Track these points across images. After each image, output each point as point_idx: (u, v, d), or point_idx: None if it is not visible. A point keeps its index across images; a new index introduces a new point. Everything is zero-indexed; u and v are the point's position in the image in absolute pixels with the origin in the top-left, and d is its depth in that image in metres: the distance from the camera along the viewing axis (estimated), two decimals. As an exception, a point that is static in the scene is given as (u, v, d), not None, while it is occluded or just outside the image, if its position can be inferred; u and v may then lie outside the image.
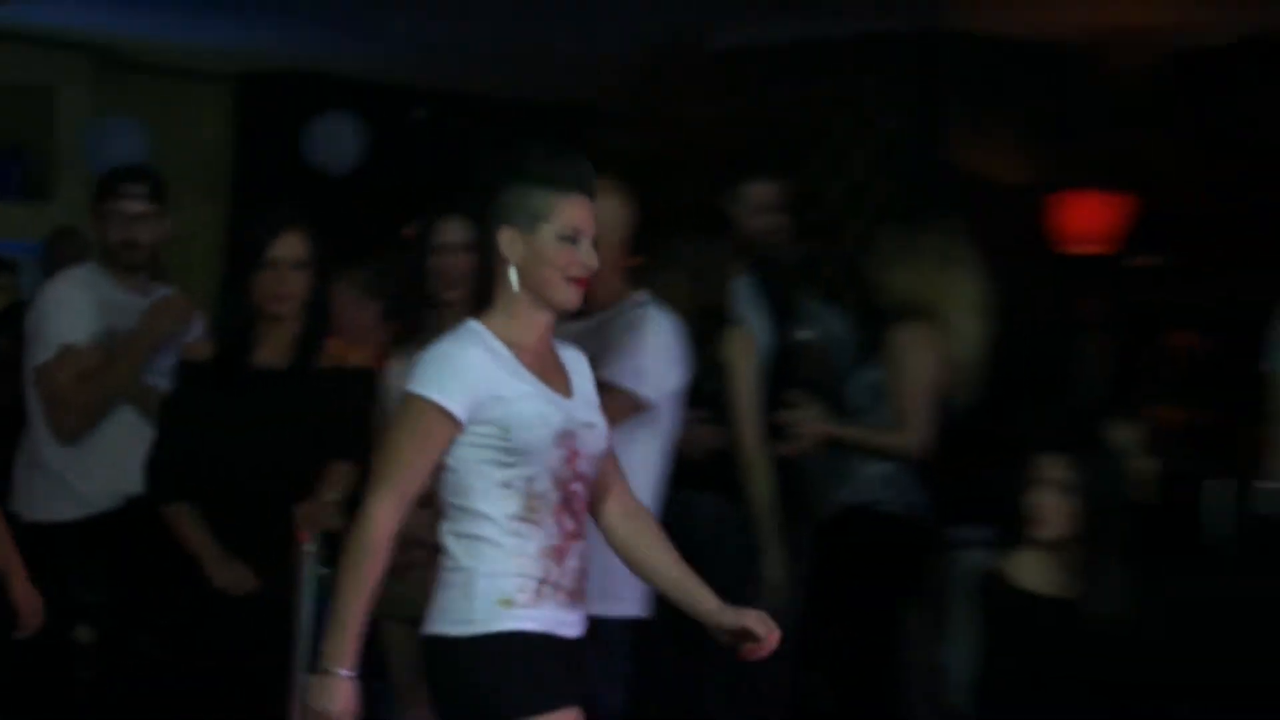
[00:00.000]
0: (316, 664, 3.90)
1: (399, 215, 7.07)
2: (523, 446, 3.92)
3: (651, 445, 5.04)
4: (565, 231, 3.92)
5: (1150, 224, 10.46)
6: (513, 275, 3.97)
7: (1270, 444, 5.80)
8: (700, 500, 5.52)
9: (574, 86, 11.56)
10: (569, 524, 4.02)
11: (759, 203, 6.36)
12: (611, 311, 5.05)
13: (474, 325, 4.00)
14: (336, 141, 10.84)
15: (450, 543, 3.97)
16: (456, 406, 3.89)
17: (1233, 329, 7.45)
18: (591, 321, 4.92)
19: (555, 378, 4.06)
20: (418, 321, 5.12)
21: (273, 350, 5.18)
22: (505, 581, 3.90)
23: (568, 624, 4.01)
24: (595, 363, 4.34)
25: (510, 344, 3.98)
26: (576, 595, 4.03)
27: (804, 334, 6.43)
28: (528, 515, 3.95)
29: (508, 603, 3.89)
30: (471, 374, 3.93)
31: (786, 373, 6.18)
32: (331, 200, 9.79)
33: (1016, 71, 9.92)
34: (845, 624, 6.44)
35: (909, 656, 6.23)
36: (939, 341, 6.00)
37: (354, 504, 4.26)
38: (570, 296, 3.97)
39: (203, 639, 5.24)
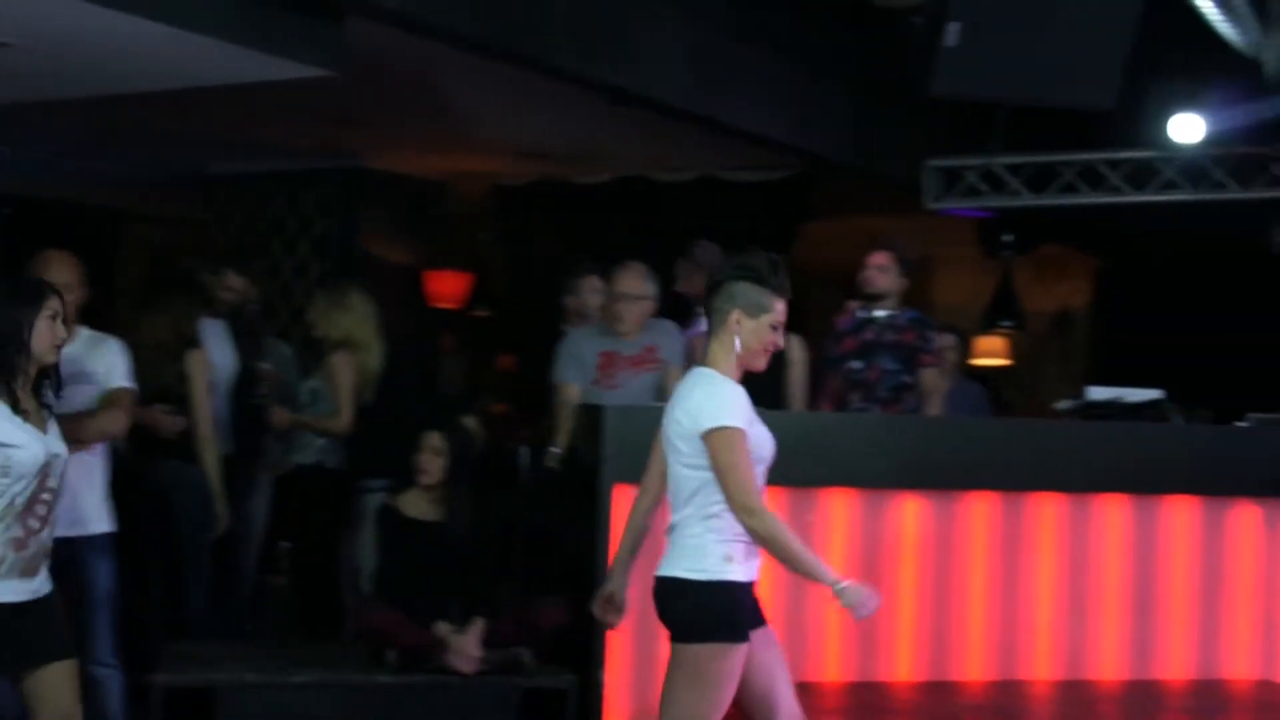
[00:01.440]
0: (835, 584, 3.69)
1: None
2: (758, 455, 3.85)
3: None
4: (775, 321, 3.90)
5: (480, 290, 11.40)
6: (737, 343, 3.89)
7: (555, 426, 5.96)
8: (174, 465, 5.53)
9: (113, 196, 11.52)
10: None
11: (229, 282, 6.46)
12: None
13: (716, 374, 3.88)
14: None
15: (695, 519, 3.81)
16: (748, 429, 3.82)
17: (533, 353, 7.46)
18: None
19: None
20: None
21: None
22: (728, 546, 3.79)
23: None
24: None
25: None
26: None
27: (263, 364, 6.50)
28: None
29: (730, 559, 3.80)
30: (746, 405, 3.86)
31: (250, 386, 6.31)
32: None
33: (406, 194, 10.45)
34: (300, 542, 6.66)
35: (341, 562, 6.33)
36: (357, 362, 6.25)
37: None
38: (764, 364, 3.93)
39: None
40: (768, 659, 3.87)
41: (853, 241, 7.51)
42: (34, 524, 3.87)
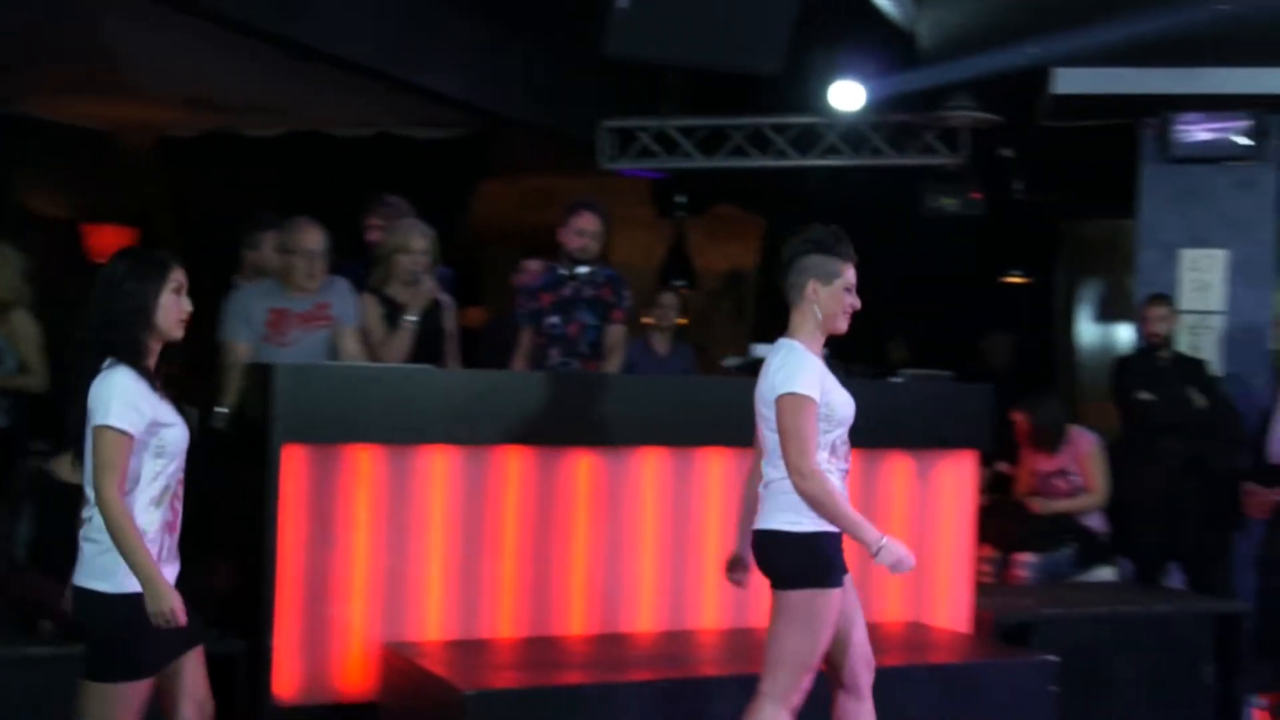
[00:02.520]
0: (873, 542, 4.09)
1: None
2: (839, 417, 4.23)
3: None
4: (847, 285, 4.24)
5: (145, 245, 10.90)
6: (817, 311, 4.22)
7: (223, 386, 5.77)
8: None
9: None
10: (848, 464, 4.31)
11: None
12: None
13: (796, 343, 4.24)
14: None
15: (778, 474, 4.16)
16: (818, 397, 4.13)
17: (201, 310, 7.48)
18: None
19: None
20: None
21: None
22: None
23: None
24: None
25: (814, 355, 4.23)
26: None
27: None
28: (830, 461, 4.22)
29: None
30: (820, 373, 4.18)
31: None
32: None
33: (66, 144, 9.89)
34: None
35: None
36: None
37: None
38: (845, 326, 4.27)
39: None
40: (847, 604, 4.28)
41: (529, 200, 7.52)
42: (178, 505, 3.88)
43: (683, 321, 12.13)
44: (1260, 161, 8.24)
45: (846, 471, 4.36)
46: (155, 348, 3.87)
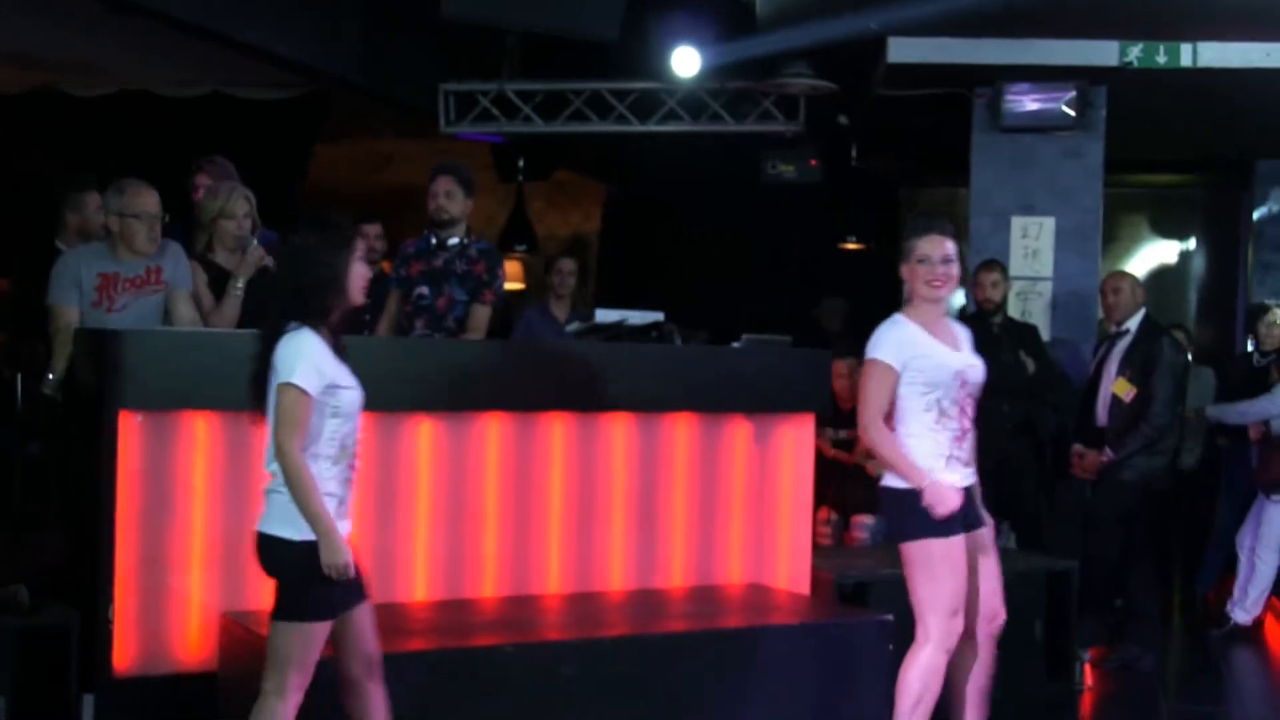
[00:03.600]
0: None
1: None
2: (932, 380, 4.81)
3: None
4: (920, 256, 4.89)
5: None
6: (907, 288, 4.93)
7: (51, 352, 5.62)
8: None
9: None
10: (965, 422, 4.86)
11: None
12: None
13: (898, 315, 4.92)
14: None
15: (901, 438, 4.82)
16: (896, 363, 4.78)
17: (26, 274, 6.98)
18: None
19: (948, 340, 4.88)
20: None
21: None
22: (931, 460, 4.80)
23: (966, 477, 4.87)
24: None
25: (921, 324, 4.85)
26: (969, 463, 4.88)
27: None
28: (939, 421, 4.81)
29: (932, 470, 4.78)
30: (909, 341, 4.82)
31: None
32: None
33: None
34: None
35: None
36: None
37: None
38: (940, 294, 4.90)
39: None
40: (978, 559, 4.88)
41: (369, 164, 7.47)
42: (354, 465, 4.09)
43: (521, 287, 12.15)
44: (1086, 131, 8.52)
45: (961, 431, 4.89)
46: (340, 312, 4.09)
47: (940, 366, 4.82)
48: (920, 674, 4.88)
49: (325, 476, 4.02)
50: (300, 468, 3.96)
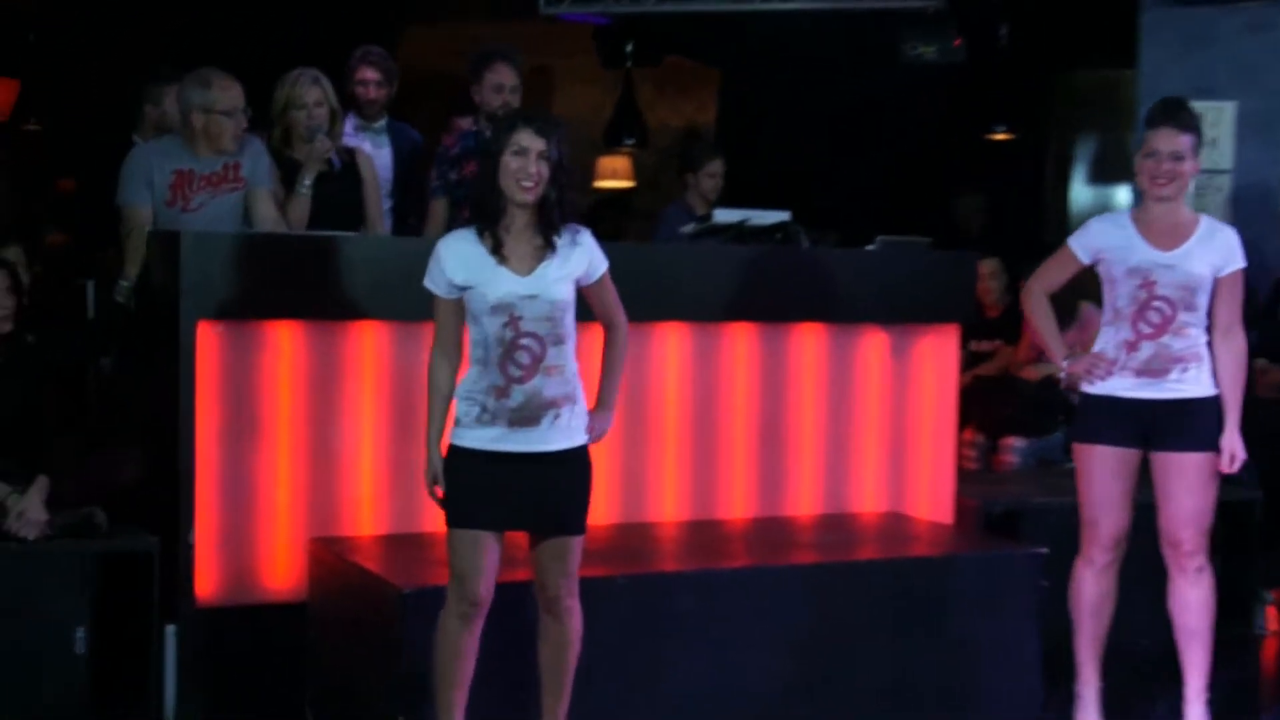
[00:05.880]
0: None
1: None
2: (1112, 276, 5.09)
3: None
4: (1147, 151, 5.04)
5: (30, 99, 10.71)
6: (1135, 182, 5.13)
7: (123, 257, 5.74)
8: None
9: None
10: (1143, 328, 5.07)
11: None
12: None
13: (1121, 212, 5.25)
14: None
15: None
16: (1082, 252, 5.17)
17: (96, 173, 7.08)
18: None
19: (1165, 242, 5.04)
20: None
21: None
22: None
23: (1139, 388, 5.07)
24: None
25: (1138, 222, 5.08)
26: (1154, 374, 5.05)
27: None
28: (1114, 323, 5.12)
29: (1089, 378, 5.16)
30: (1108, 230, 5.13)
31: None
32: None
33: None
34: None
35: None
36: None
37: None
38: (1160, 190, 5.02)
39: None
40: (1162, 479, 5.06)
41: (459, 48, 7.44)
42: (515, 371, 4.16)
43: (629, 184, 12.14)
44: (1274, 2, 8.27)
45: (1135, 336, 5.06)
46: (506, 211, 4.26)
47: (1122, 263, 5.04)
48: (1071, 584, 5.22)
49: (471, 380, 4.27)
50: (429, 371, 4.36)
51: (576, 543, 4.38)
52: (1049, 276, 5.26)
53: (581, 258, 4.35)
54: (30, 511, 5.05)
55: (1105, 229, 5.13)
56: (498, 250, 4.24)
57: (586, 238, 4.38)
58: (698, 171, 7.79)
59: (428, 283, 4.32)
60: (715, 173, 7.81)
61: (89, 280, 6.99)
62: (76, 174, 10.49)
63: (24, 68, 10.40)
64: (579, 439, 4.35)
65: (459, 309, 4.28)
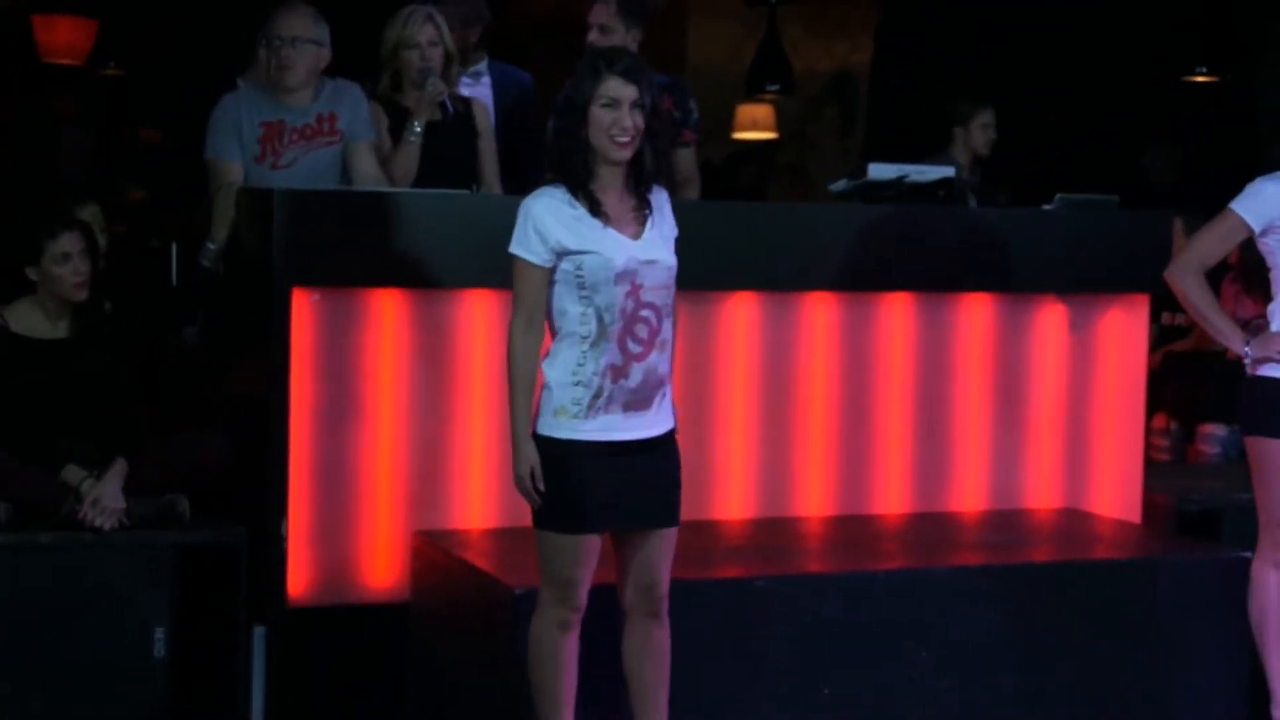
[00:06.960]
0: None
1: None
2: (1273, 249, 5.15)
3: None
4: None
5: (109, 42, 10.86)
6: None
7: (211, 216, 5.73)
8: None
9: None
10: None
11: None
12: None
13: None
14: None
15: None
16: (1252, 219, 5.09)
17: (182, 123, 7.33)
18: None
19: None
20: None
21: None
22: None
23: None
24: None
25: None
26: None
27: None
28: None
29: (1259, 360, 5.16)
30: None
31: None
32: None
33: None
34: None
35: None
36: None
37: None
38: None
39: None
40: None
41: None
42: (635, 347, 4.13)
43: (773, 136, 12.09)
44: None
45: None
46: (597, 169, 4.21)
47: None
48: (1250, 589, 5.20)
49: (578, 363, 4.17)
50: (512, 354, 4.19)
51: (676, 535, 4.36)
52: (1207, 249, 5.10)
53: (672, 219, 4.32)
54: (106, 499, 5.13)
55: (1276, 191, 4.96)
56: (598, 212, 4.20)
57: (665, 196, 4.35)
58: (968, 124, 7.85)
59: (517, 248, 4.18)
60: (988, 123, 7.86)
61: (173, 242, 7.09)
62: (162, 124, 10.65)
63: (103, 6, 10.55)
64: (673, 420, 4.34)
65: (547, 280, 4.19)
